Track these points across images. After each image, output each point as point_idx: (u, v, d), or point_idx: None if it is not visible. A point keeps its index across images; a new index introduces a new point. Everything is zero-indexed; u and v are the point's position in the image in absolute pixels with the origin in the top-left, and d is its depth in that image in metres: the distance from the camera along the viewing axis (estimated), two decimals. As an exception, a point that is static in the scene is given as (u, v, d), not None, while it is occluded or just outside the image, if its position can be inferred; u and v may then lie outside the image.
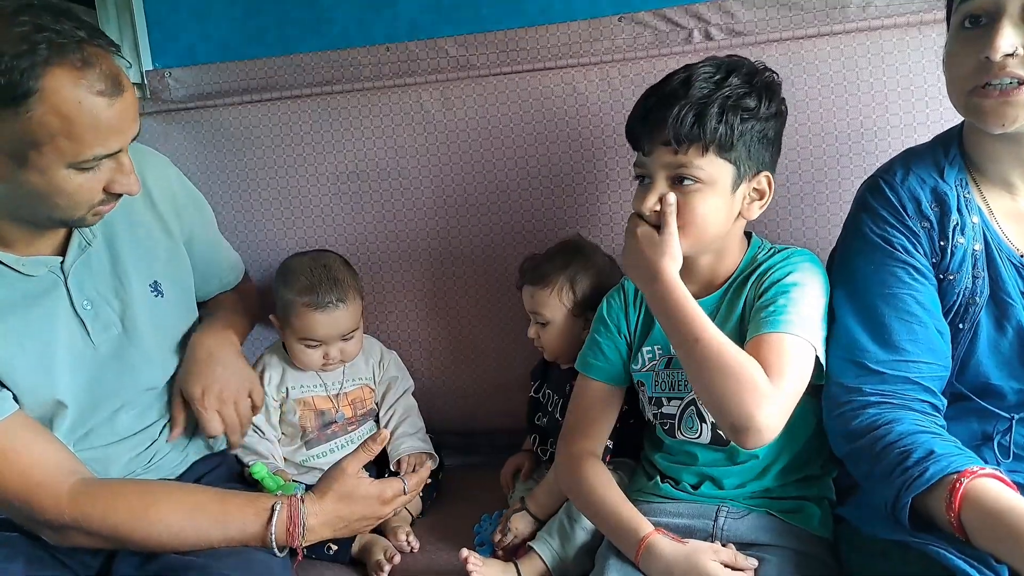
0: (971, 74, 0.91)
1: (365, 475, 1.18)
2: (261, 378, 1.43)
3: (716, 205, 1.05)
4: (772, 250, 1.14)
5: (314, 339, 1.39)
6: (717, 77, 1.04)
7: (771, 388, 0.95)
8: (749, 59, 1.09)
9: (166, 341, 1.25)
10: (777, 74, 1.10)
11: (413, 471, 1.34)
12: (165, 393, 1.25)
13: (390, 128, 1.54)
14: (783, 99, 1.10)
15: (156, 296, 1.22)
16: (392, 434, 1.43)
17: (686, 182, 1.04)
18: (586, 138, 1.45)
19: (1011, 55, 0.87)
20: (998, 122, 0.90)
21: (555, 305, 1.31)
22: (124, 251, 1.18)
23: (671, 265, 1.03)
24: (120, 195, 1.05)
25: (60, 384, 1.10)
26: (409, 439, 1.45)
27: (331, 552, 1.26)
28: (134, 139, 1.03)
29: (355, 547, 1.28)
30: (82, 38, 0.94)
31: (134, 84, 1.63)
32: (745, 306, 1.09)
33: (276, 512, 1.09)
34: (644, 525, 1.05)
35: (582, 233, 1.43)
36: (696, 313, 1.01)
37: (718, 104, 1.02)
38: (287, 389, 1.44)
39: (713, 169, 1.03)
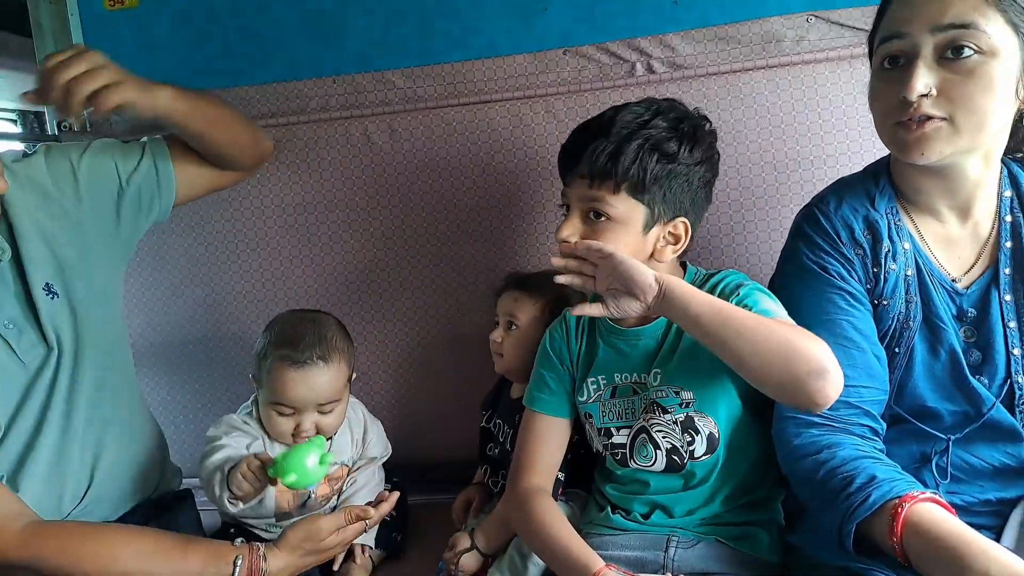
0: (892, 110, 0.95)
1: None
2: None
3: (625, 243, 1.05)
4: (706, 275, 1.14)
5: (287, 404, 1.25)
6: (644, 118, 1.06)
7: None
8: (685, 105, 1.10)
9: (78, 346, 1.18)
10: (710, 123, 1.11)
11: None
12: (84, 413, 1.18)
13: (337, 160, 1.53)
14: (712, 148, 1.11)
15: (51, 298, 1.16)
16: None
17: (598, 217, 1.06)
18: (532, 168, 1.47)
19: (925, 95, 0.91)
20: (917, 153, 0.94)
21: (534, 314, 1.30)
22: (26, 259, 1.13)
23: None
24: None
25: None
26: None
27: None
28: None
29: None
30: None
31: (72, 122, 1.63)
32: None
33: (238, 568, 1.07)
34: (594, 561, 1.02)
35: (529, 261, 1.45)
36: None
37: (636, 144, 1.03)
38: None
39: (624, 208, 1.05)
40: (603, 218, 1.05)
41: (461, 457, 1.52)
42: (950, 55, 0.90)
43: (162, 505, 1.30)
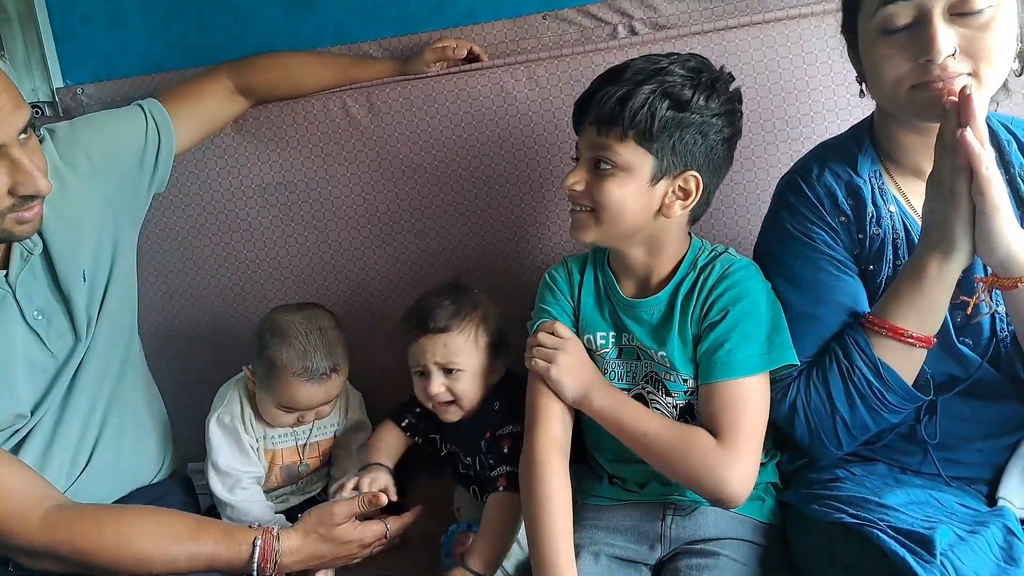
0: (908, 75, 0.92)
1: (352, 521, 1.16)
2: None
3: (630, 194, 1.02)
4: (712, 253, 1.09)
5: (296, 408, 1.29)
6: (660, 64, 1.00)
7: (725, 452, 0.98)
8: (710, 62, 1.04)
9: (106, 329, 1.20)
10: (734, 81, 1.05)
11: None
12: (102, 401, 1.21)
13: (316, 136, 1.50)
14: (732, 104, 1.04)
15: (85, 286, 1.17)
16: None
17: (603, 165, 1.02)
18: (516, 137, 1.44)
19: (951, 55, 0.88)
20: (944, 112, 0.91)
21: (470, 350, 1.23)
22: (56, 250, 1.13)
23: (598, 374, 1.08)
24: (33, 197, 0.98)
25: (23, 398, 1.10)
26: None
27: None
28: (24, 131, 0.95)
29: None
30: None
31: (45, 103, 1.59)
32: (690, 321, 1.06)
33: (257, 548, 1.08)
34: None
35: (514, 232, 1.43)
36: (635, 407, 1.05)
37: (648, 89, 0.98)
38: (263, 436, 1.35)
39: (631, 156, 1.00)
40: (609, 167, 1.02)
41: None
42: (964, 12, 0.87)
43: (161, 490, 1.30)
